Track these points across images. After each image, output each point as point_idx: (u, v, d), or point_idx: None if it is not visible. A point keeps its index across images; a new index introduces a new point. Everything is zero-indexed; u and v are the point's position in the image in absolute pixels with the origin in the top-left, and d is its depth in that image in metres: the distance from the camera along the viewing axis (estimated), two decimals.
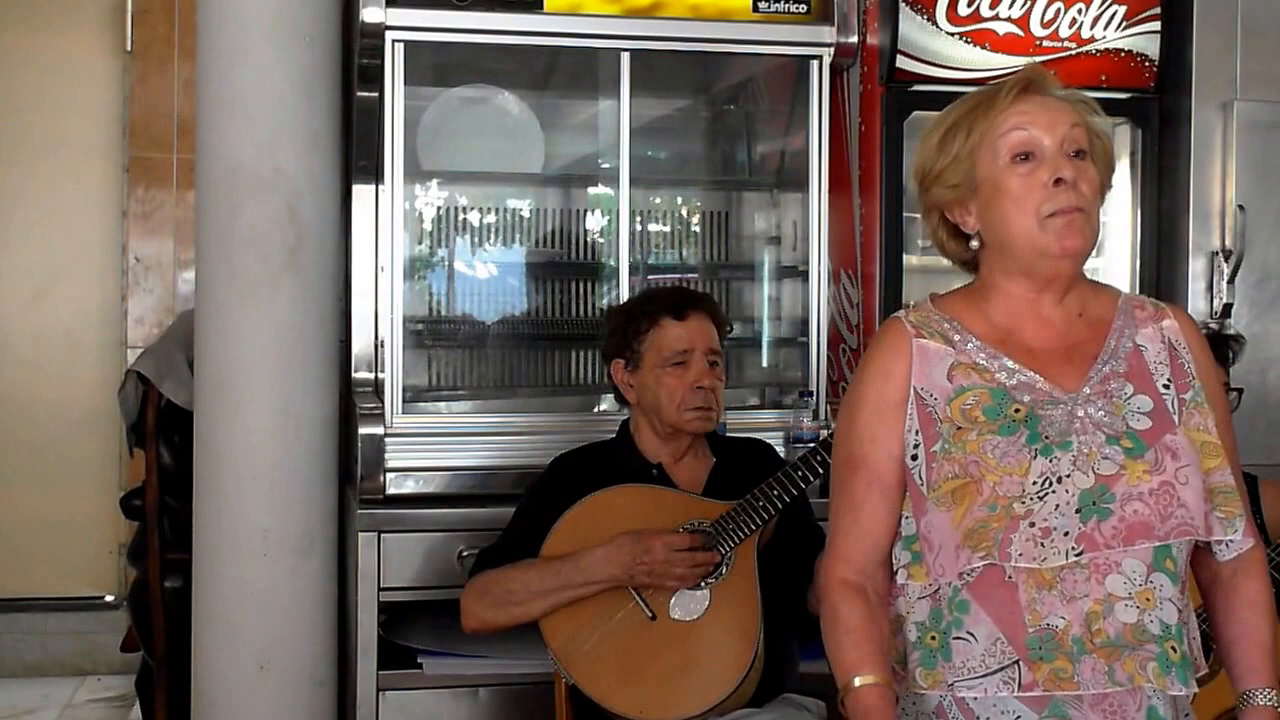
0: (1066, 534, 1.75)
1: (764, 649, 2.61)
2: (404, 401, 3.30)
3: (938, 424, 1.83)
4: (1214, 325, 3.39)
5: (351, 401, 3.34)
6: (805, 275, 3.54)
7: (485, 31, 3.31)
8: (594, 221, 3.98)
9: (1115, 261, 3.97)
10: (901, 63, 3.71)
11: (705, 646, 2.63)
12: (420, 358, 3.76)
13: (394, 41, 3.24)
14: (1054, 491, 1.77)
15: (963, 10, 3.73)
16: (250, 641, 3.15)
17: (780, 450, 3.17)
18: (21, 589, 5.33)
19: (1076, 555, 1.75)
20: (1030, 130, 1.84)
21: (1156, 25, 3.83)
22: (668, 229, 4.06)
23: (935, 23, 3.72)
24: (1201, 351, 1.92)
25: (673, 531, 2.66)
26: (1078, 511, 1.76)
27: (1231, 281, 3.77)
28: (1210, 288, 3.80)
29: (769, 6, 3.40)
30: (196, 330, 3.26)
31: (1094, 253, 1.92)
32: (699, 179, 4.17)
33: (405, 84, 3.27)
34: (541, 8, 3.31)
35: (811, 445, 2.83)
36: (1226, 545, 1.85)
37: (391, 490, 3.21)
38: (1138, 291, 3.69)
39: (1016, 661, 1.77)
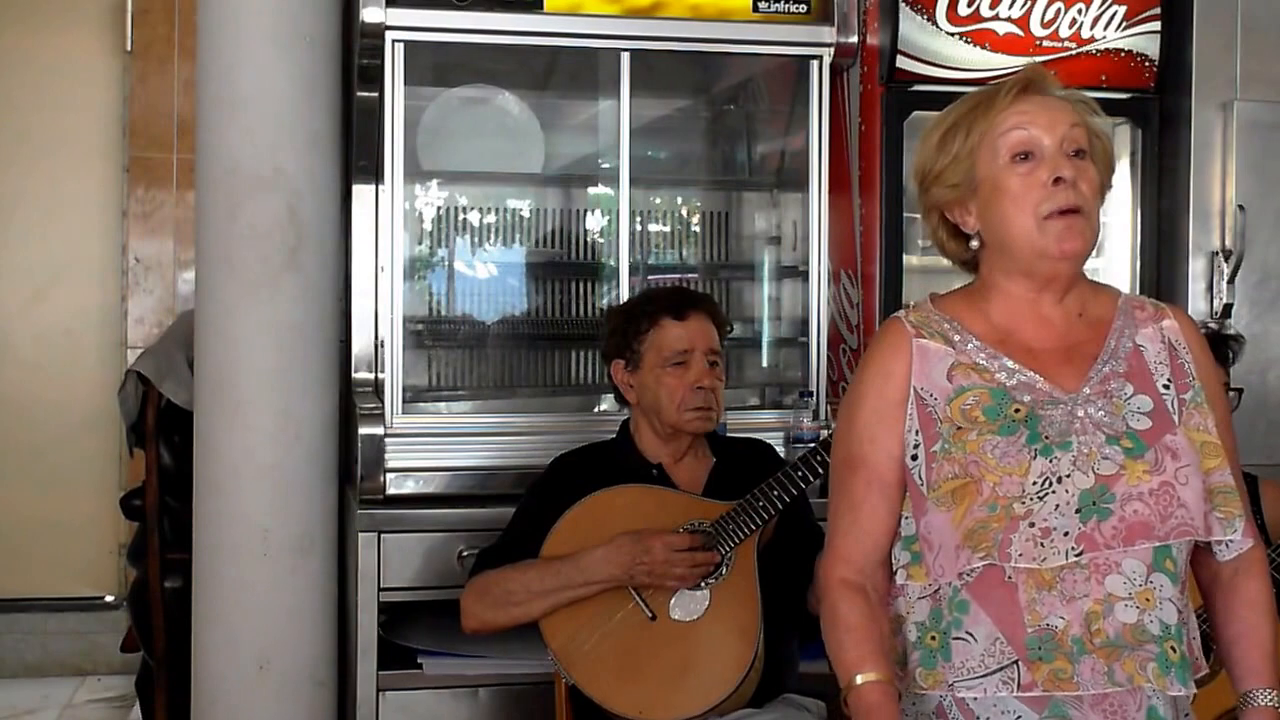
0: (1066, 534, 1.75)
1: (764, 649, 2.61)
2: (404, 402, 3.30)
3: (938, 424, 1.83)
4: (1213, 325, 3.38)
5: (351, 402, 3.34)
6: (805, 275, 3.54)
7: (485, 31, 3.31)
8: (594, 221, 3.98)
9: (1115, 261, 3.97)
10: (901, 63, 3.71)
11: (705, 647, 2.63)
12: (420, 358, 3.75)
13: (394, 41, 3.24)
14: (1054, 491, 1.77)
15: (963, 10, 3.73)
16: (250, 641, 3.15)
17: (780, 450, 3.17)
18: (21, 589, 5.33)
19: (1076, 555, 1.75)
20: (1030, 130, 1.84)
21: (1156, 25, 3.83)
22: (668, 229, 4.06)
23: (935, 23, 3.72)
24: (1201, 352, 1.92)
25: (673, 532, 2.66)
26: (1078, 512, 1.76)
27: (1231, 281, 3.77)
28: (1210, 288, 3.80)
29: (769, 6, 3.40)
30: (196, 330, 3.26)
31: (1094, 253, 1.92)
32: (699, 179, 4.17)
33: (405, 84, 3.27)
34: (541, 8, 3.31)
35: (811, 445, 2.83)
36: (1226, 545, 1.85)
37: (391, 490, 3.21)
38: (1138, 292, 3.70)
39: (1016, 661, 1.77)
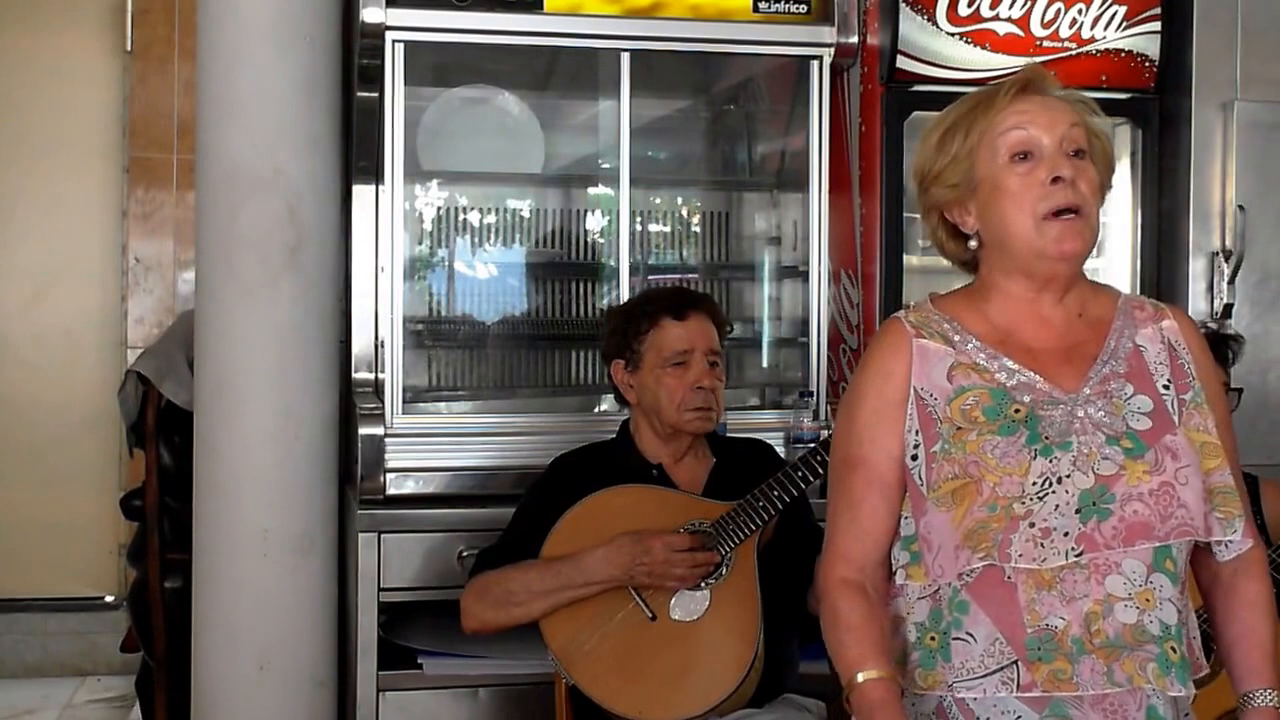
0: (1066, 534, 1.75)
1: (764, 649, 2.61)
2: (404, 402, 3.30)
3: (938, 424, 1.83)
4: (1212, 325, 3.39)
5: (351, 402, 3.34)
6: (805, 275, 3.54)
7: (485, 31, 3.31)
8: (594, 222, 3.98)
9: (1115, 262, 3.97)
10: (902, 63, 3.71)
11: (705, 647, 2.63)
12: (420, 358, 3.75)
13: (394, 42, 3.24)
14: (1054, 492, 1.76)
15: (963, 10, 3.73)
16: (250, 642, 3.15)
17: (780, 450, 3.17)
18: (21, 589, 5.33)
19: (1076, 556, 1.75)
20: (1029, 130, 1.84)
21: (1157, 25, 3.82)
22: (668, 229, 4.06)
23: (935, 23, 3.72)
24: (1201, 352, 1.92)
25: (673, 532, 2.66)
26: (1077, 512, 1.76)
27: (1232, 282, 3.77)
28: (1211, 288, 3.80)
29: (769, 6, 3.40)
30: (196, 330, 3.26)
31: (1094, 253, 1.92)
32: (699, 179, 4.17)
33: (405, 84, 3.27)
34: (541, 8, 3.31)
35: (811, 445, 2.83)
36: (1226, 546, 1.85)
37: (391, 490, 3.21)
38: (1138, 292, 3.69)
39: (1015, 662, 1.77)
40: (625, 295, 3.41)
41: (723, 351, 2.83)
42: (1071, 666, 1.75)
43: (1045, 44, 3.78)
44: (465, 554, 3.08)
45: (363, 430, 3.20)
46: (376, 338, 3.39)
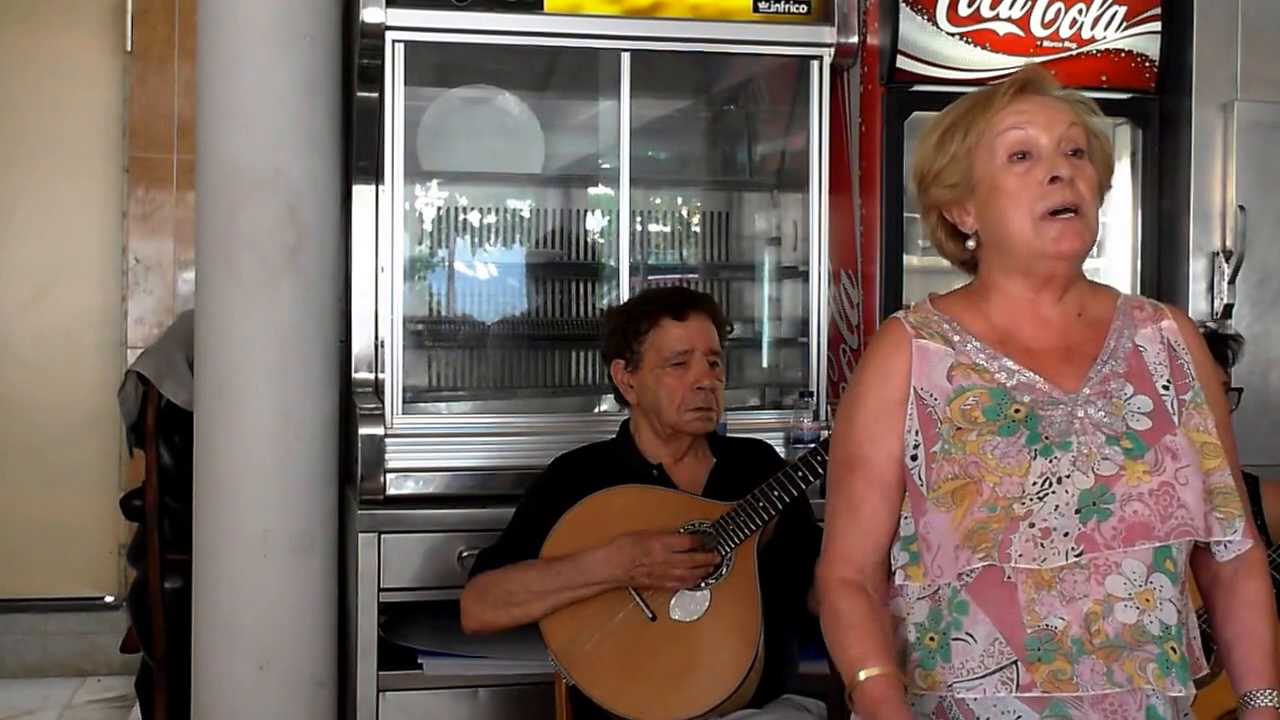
0: (1066, 534, 1.75)
1: (764, 650, 2.61)
2: (404, 402, 3.29)
3: (938, 424, 1.83)
4: (1212, 325, 3.39)
5: (351, 402, 3.34)
6: (805, 276, 3.54)
7: (485, 32, 3.31)
8: (594, 222, 3.98)
9: (1116, 262, 3.96)
10: (902, 63, 3.70)
11: (706, 647, 2.63)
12: (420, 358, 3.75)
13: (394, 42, 3.24)
14: (1054, 492, 1.76)
15: (963, 10, 3.73)
16: (250, 642, 3.15)
17: (780, 451, 3.17)
18: (21, 590, 5.32)
19: (1076, 556, 1.75)
20: (1027, 129, 1.84)
21: (1157, 26, 3.82)
22: (668, 229, 4.06)
23: (935, 23, 3.72)
24: (1200, 352, 1.92)
25: (673, 532, 2.66)
26: (1077, 512, 1.76)
27: (1232, 282, 3.77)
28: (1211, 288, 3.80)
29: (769, 7, 3.40)
30: (196, 330, 3.26)
31: (1095, 253, 1.93)
32: (699, 179, 4.17)
33: (405, 84, 3.26)
34: (541, 8, 3.31)
35: (812, 445, 2.83)
36: (1225, 546, 1.85)
37: (391, 491, 3.21)
38: (1138, 292, 3.70)
39: (1015, 662, 1.77)
40: (625, 295, 3.41)
41: (723, 351, 2.83)
42: (1071, 667, 1.75)
43: (1045, 44, 3.78)
44: (465, 554, 3.08)
45: (363, 430, 3.20)
46: (376, 338, 3.39)
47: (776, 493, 2.66)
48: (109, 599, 5.37)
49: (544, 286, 3.93)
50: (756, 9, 3.40)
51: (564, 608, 2.67)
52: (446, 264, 3.89)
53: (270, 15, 3.14)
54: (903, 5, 3.69)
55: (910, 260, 3.80)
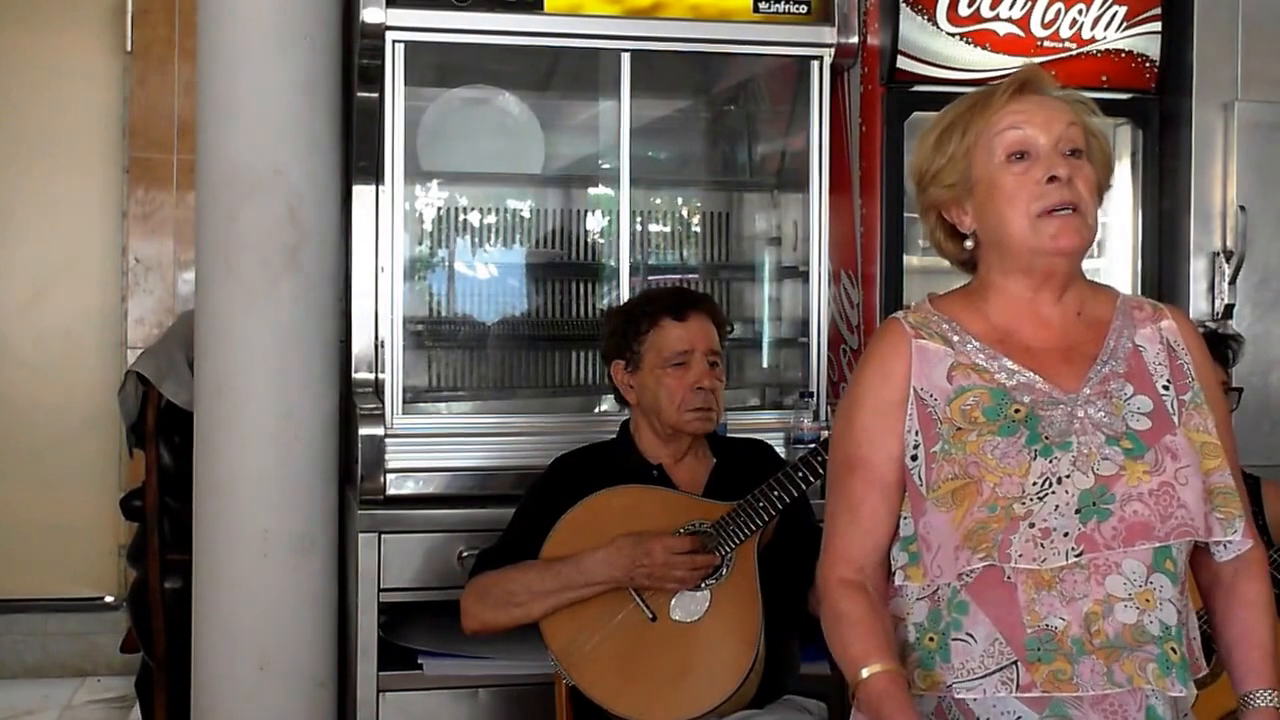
0: (1066, 534, 1.75)
1: (765, 650, 2.61)
2: (404, 402, 3.29)
3: (937, 424, 1.83)
4: (1212, 325, 3.38)
5: (352, 402, 3.34)
6: (806, 276, 3.54)
7: (485, 32, 3.31)
8: (594, 222, 3.98)
9: (1116, 262, 3.96)
10: (902, 63, 3.70)
11: (706, 648, 2.63)
12: (420, 358, 3.75)
13: (394, 42, 3.24)
14: (1054, 492, 1.76)
15: (963, 11, 3.73)
16: (250, 642, 3.15)
17: (780, 451, 3.17)
18: (21, 590, 5.32)
19: (1076, 556, 1.75)
20: (1025, 129, 1.84)
21: (1157, 26, 3.82)
22: (668, 229, 4.06)
23: (936, 23, 3.72)
24: (1200, 352, 1.92)
25: (673, 533, 2.66)
26: (1077, 512, 1.76)
27: (1233, 282, 3.77)
28: (1212, 288, 3.80)
29: (769, 7, 3.40)
30: (196, 331, 3.26)
31: (1095, 253, 1.92)
32: (699, 179, 4.17)
33: (405, 84, 3.26)
34: (541, 8, 3.31)
35: (812, 446, 2.83)
36: (1225, 546, 1.85)
37: (392, 491, 3.21)
38: (1139, 292, 3.69)
39: (1015, 662, 1.77)
40: (625, 295, 3.41)
41: (723, 352, 2.83)
42: (1071, 667, 1.75)
43: (1045, 44, 3.78)
44: (465, 554, 3.08)
45: (363, 430, 3.20)
46: (376, 338, 3.39)
47: (776, 493, 2.66)
48: (109, 599, 5.37)
49: (544, 287, 3.93)
50: (756, 9, 3.40)
51: (564, 608, 2.67)
52: (446, 264, 3.89)
53: (270, 15, 3.14)
54: (903, 5, 3.68)
55: (910, 260, 3.79)
